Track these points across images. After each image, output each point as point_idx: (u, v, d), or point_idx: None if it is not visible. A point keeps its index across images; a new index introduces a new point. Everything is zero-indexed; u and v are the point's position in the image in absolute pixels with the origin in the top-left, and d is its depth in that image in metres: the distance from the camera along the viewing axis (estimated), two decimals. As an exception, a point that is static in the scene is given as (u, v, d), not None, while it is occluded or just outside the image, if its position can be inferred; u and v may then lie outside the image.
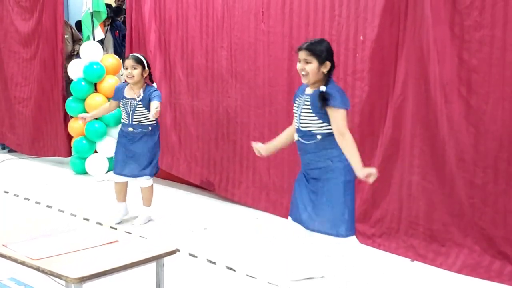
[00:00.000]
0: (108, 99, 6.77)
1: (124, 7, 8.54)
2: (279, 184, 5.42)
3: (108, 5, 7.92)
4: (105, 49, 7.77)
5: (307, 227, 3.74)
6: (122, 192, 5.23)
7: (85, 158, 7.03)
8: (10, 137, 8.16)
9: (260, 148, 4.00)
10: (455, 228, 4.27)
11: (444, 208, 4.30)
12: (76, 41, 8.30)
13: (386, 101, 4.64)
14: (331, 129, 3.61)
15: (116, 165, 5.19)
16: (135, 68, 4.98)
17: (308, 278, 4.02)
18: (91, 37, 7.05)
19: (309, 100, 3.67)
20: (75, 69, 7.01)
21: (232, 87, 5.73)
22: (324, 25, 4.91)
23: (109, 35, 8.40)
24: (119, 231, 4.57)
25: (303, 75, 3.66)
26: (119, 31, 8.69)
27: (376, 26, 4.59)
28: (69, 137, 7.27)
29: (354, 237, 3.66)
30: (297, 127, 3.75)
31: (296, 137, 3.76)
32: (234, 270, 4.22)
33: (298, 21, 5.10)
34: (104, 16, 7.18)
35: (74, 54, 8.15)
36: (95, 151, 7.05)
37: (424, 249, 4.39)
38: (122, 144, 5.14)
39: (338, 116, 3.55)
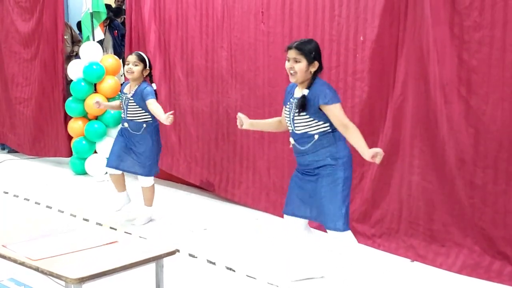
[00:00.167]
0: (108, 99, 6.79)
1: (123, 7, 8.53)
2: (279, 184, 5.41)
3: (108, 6, 7.92)
4: (104, 50, 7.76)
5: (305, 217, 3.80)
6: (119, 182, 5.22)
7: (84, 159, 7.03)
8: (11, 138, 8.16)
9: (244, 119, 4.04)
10: (455, 228, 4.27)
11: (444, 208, 4.31)
12: (76, 42, 8.32)
13: (386, 101, 4.64)
14: (327, 126, 3.65)
15: (110, 157, 5.15)
16: (136, 65, 4.99)
17: (308, 278, 4.03)
18: (91, 38, 7.05)
19: None
20: (74, 70, 7.01)
21: (232, 87, 5.73)
22: (324, 25, 4.91)
23: (108, 35, 8.39)
24: (119, 232, 4.57)
25: (291, 74, 3.69)
26: (117, 30, 8.69)
27: (376, 27, 4.59)
28: (70, 138, 7.26)
29: (350, 231, 3.69)
30: (291, 131, 3.77)
31: (292, 141, 3.78)
32: (234, 271, 4.22)
33: (298, 21, 5.10)
34: (103, 16, 7.18)
35: (73, 55, 8.16)
36: (95, 152, 7.05)
37: (424, 249, 4.39)
38: (120, 140, 5.12)
39: (335, 111, 3.60)
